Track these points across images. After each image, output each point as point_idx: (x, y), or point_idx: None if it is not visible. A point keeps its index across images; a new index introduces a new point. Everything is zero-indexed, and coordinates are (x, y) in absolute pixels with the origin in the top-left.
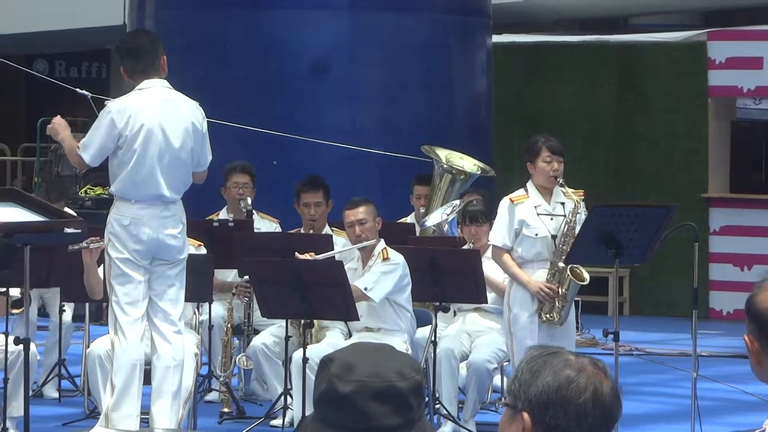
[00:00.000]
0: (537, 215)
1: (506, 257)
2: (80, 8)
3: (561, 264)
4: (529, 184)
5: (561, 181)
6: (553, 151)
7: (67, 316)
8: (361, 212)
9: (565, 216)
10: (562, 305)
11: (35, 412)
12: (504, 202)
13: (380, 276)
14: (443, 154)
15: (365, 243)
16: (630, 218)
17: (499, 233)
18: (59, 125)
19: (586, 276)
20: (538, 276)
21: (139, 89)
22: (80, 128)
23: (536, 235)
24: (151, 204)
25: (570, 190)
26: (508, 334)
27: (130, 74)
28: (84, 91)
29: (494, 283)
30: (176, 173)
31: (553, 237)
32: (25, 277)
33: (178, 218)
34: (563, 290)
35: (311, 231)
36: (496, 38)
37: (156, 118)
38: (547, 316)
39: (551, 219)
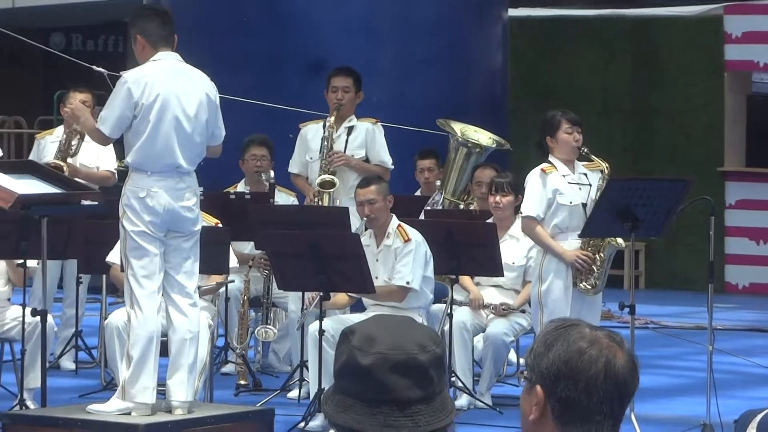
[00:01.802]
0: (568, 184)
1: (539, 229)
2: None
3: None
4: (552, 158)
5: (585, 150)
6: (573, 123)
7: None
8: (371, 192)
9: (590, 185)
10: (599, 272)
11: (52, 383)
12: (535, 173)
13: (412, 264)
14: (458, 127)
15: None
16: (646, 192)
17: (532, 203)
18: (78, 110)
19: (621, 241)
20: (571, 245)
21: (154, 60)
22: (96, 102)
23: (570, 202)
24: (167, 176)
25: (597, 159)
26: (538, 307)
27: (153, 40)
28: (101, 69)
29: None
30: (191, 144)
31: (584, 205)
32: (43, 248)
33: (193, 190)
34: (601, 255)
35: (332, 117)
36: (511, 12)
37: (172, 88)
38: (585, 284)
39: (579, 188)
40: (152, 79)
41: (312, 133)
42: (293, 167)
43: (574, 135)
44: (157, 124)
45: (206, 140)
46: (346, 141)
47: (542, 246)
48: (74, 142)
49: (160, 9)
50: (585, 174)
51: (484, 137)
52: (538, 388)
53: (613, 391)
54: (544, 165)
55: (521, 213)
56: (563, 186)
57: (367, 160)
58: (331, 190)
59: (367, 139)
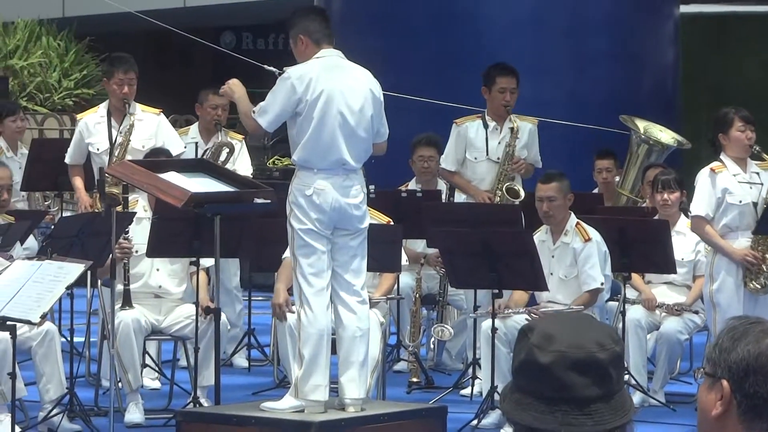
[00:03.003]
0: (738, 183)
1: (708, 228)
2: None
3: None
4: (723, 156)
5: (757, 149)
6: (746, 121)
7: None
8: (551, 189)
9: (762, 184)
10: None
11: (225, 381)
12: (704, 172)
13: (597, 264)
14: (642, 124)
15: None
16: None
17: (701, 203)
18: (233, 85)
19: None
20: (741, 244)
21: (318, 57)
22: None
23: (740, 202)
24: (334, 173)
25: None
26: (710, 305)
27: (315, 36)
28: (272, 68)
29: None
30: (357, 140)
31: (754, 204)
32: (216, 247)
33: (360, 187)
34: None
35: (514, 122)
36: (683, 8)
37: (336, 84)
38: (754, 284)
39: (750, 187)
40: (316, 75)
41: (473, 130)
42: (449, 164)
43: (747, 133)
44: (322, 120)
45: (372, 136)
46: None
47: (711, 245)
48: (223, 156)
49: (318, 8)
50: (757, 173)
51: (666, 136)
52: (725, 382)
53: None
54: (714, 164)
55: (690, 212)
56: (733, 185)
57: None
58: (517, 200)
59: (529, 140)
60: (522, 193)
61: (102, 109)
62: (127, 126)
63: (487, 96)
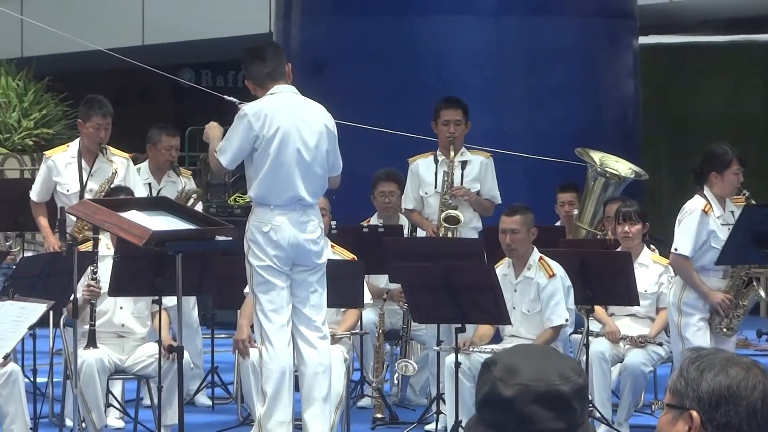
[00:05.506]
0: (721, 226)
1: (689, 266)
2: (226, 17)
3: (742, 275)
4: (708, 193)
5: (747, 194)
6: (742, 164)
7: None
8: (515, 222)
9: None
10: (738, 317)
11: (189, 419)
12: (695, 211)
13: (562, 300)
14: (597, 157)
15: None
16: None
17: (687, 242)
18: (211, 129)
19: (763, 293)
20: (712, 284)
21: (271, 94)
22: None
23: (721, 246)
24: (291, 209)
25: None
26: (678, 338)
27: (258, 80)
28: (232, 98)
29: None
30: (313, 176)
31: None
32: (178, 285)
33: (317, 223)
34: (743, 302)
35: (451, 151)
36: (642, 40)
37: (291, 120)
38: (721, 326)
39: (728, 229)
40: (272, 111)
41: (424, 167)
42: (407, 203)
43: (739, 176)
44: (278, 156)
45: (327, 171)
46: (462, 175)
47: (689, 284)
48: (190, 203)
49: (265, 47)
50: (732, 212)
51: (623, 167)
52: (695, 413)
53: None
54: (704, 204)
55: (675, 249)
56: (719, 228)
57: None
58: (456, 226)
59: (480, 173)
60: (462, 218)
61: (72, 149)
62: (97, 168)
63: (436, 130)
